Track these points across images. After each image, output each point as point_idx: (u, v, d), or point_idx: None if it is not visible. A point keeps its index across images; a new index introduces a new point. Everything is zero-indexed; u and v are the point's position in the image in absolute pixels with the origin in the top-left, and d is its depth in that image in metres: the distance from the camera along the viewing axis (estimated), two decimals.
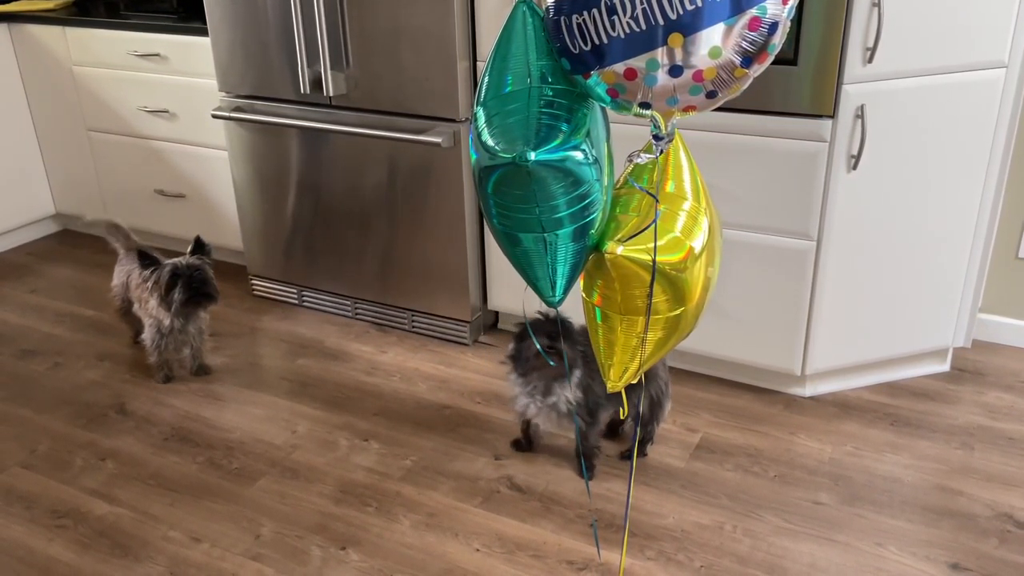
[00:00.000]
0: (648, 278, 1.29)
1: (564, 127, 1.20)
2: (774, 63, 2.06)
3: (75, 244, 3.63)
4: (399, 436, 2.33)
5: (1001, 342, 2.66)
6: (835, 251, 2.22)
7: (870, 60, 2.02)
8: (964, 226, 2.31)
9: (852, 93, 2.05)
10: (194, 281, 2.41)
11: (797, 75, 2.06)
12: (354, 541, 1.96)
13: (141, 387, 2.58)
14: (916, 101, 2.10)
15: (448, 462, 2.22)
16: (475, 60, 2.46)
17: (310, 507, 2.07)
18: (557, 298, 1.37)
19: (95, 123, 3.34)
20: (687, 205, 1.37)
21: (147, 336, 2.53)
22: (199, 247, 2.47)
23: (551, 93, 1.25)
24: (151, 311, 2.47)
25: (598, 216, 1.30)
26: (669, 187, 1.39)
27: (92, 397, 2.54)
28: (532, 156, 1.16)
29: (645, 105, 1.17)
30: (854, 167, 2.12)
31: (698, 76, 1.11)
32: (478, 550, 1.93)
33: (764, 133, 2.15)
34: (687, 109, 1.18)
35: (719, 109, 2.16)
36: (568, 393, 2.03)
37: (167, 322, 2.46)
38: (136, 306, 2.57)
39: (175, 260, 2.43)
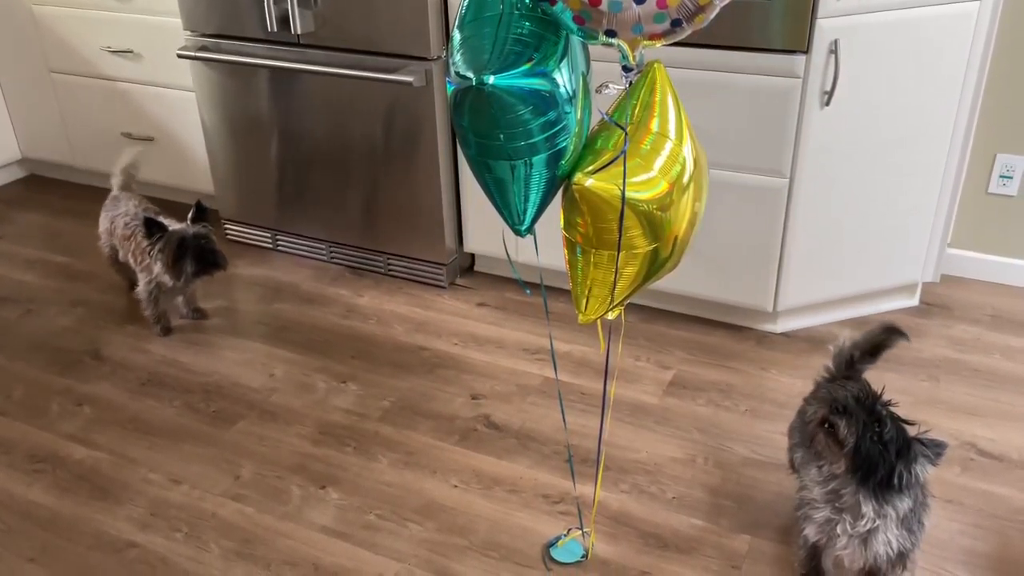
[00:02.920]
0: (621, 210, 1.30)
1: (535, 55, 1.20)
2: None
3: (42, 189, 3.57)
4: (377, 378, 2.34)
5: (969, 276, 2.71)
6: (807, 188, 2.23)
7: None
8: (935, 161, 2.32)
9: (826, 28, 2.04)
10: (204, 251, 2.35)
11: (771, 10, 2.04)
12: (333, 480, 1.99)
13: (116, 333, 2.57)
14: (889, 35, 2.10)
15: (426, 402, 2.24)
16: None
17: (289, 448, 2.10)
18: (524, 227, 1.38)
19: (58, 64, 3.25)
20: (668, 145, 1.37)
21: (141, 290, 2.48)
22: (200, 213, 2.39)
23: (523, 21, 1.24)
24: (155, 272, 2.40)
25: (568, 146, 1.30)
26: (653, 125, 1.38)
27: (66, 343, 2.53)
28: (491, 80, 1.17)
29: (611, 33, 1.17)
30: (827, 103, 2.12)
31: (662, 3, 1.12)
32: (456, 486, 1.96)
33: (737, 69, 2.13)
34: (652, 38, 1.18)
35: (692, 44, 2.14)
36: (894, 528, 1.48)
37: (169, 283, 2.41)
38: (122, 253, 2.53)
39: (181, 228, 2.36)
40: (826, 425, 1.47)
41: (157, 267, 2.38)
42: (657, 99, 1.39)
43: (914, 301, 2.58)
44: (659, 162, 1.35)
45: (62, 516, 1.91)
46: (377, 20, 2.45)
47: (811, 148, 2.18)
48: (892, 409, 1.46)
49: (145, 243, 2.38)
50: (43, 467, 2.06)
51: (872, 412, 1.44)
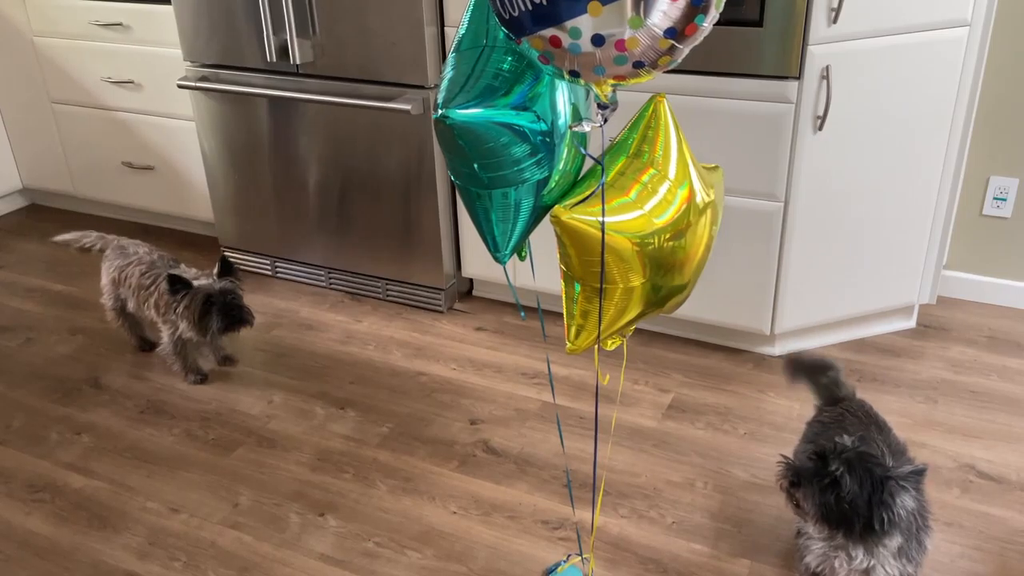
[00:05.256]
0: (608, 245, 1.30)
1: (514, 88, 1.22)
2: (740, 25, 2.07)
3: (43, 218, 3.59)
4: (375, 404, 2.34)
5: (965, 298, 2.72)
6: (802, 211, 2.25)
7: (835, 20, 2.03)
8: (929, 184, 2.34)
9: (817, 54, 2.06)
10: (230, 308, 2.30)
11: (763, 37, 2.07)
12: (332, 507, 1.99)
13: (115, 361, 2.58)
14: (880, 61, 2.12)
15: (424, 428, 2.24)
16: (443, 25, 2.44)
17: (287, 475, 2.09)
18: (503, 254, 1.39)
19: (59, 95, 3.28)
20: (666, 185, 1.38)
21: (166, 343, 2.41)
22: (225, 268, 2.34)
23: (506, 55, 1.26)
24: (180, 328, 2.35)
25: (551, 177, 1.31)
26: (653, 163, 1.39)
27: (66, 371, 2.53)
28: (454, 113, 1.19)
29: (574, 74, 1.16)
30: (820, 128, 2.14)
31: (620, 46, 1.09)
32: (455, 512, 1.96)
33: (730, 95, 2.16)
34: (616, 79, 1.16)
35: (685, 71, 2.16)
36: (891, 560, 1.47)
37: (195, 338, 2.36)
38: (133, 304, 2.45)
39: (207, 284, 2.31)
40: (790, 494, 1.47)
41: (182, 324, 2.32)
42: (661, 137, 1.39)
43: (911, 323, 2.59)
44: (652, 202, 1.35)
45: (60, 545, 1.91)
46: (375, 49, 2.48)
47: (805, 172, 2.20)
48: (862, 450, 1.43)
49: (168, 296, 2.31)
50: (42, 496, 2.05)
51: (825, 476, 1.42)
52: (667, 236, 1.36)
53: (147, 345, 2.59)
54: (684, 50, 1.12)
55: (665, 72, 2.26)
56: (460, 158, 1.26)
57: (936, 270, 2.54)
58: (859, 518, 1.41)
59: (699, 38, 1.12)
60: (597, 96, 1.22)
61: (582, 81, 1.18)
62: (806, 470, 1.45)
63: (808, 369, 1.86)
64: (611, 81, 1.17)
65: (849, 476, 1.40)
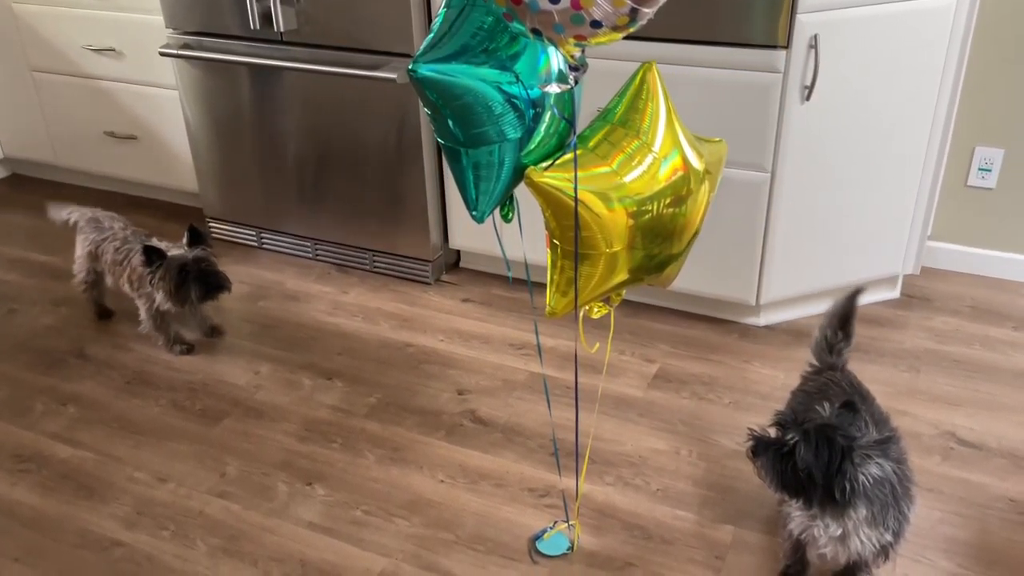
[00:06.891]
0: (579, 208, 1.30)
1: (490, 46, 1.21)
2: None
3: (25, 189, 3.55)
4: (362, 374, 2.35)
5: (949, 268, 2.74)
6: (789, 182, 2.25)
7: None
8: (914, 155, 2.34)
9: (806, 23, 2.05)
10: (207, 276, 2.29)
11: (751, 5, 2.05)
12: (320, 476, 2.00)
13: (100, 332, 2.57)
14: (868, 30, 2.12)
15: (412, 398, 2.25)
16: None
17: (275, 445, 2.10)
18: (480, 214, 1.39)
19: (39, 63, 3.23)
20: (650, 158, 1.37)
21: (144, 318, 2.41)
22: (195, 237, 2.33)
23: (487, 16, 1.25)
24: (156, 300, 2.34)
25: (520, 136, 1.31)
26: (640, 133, 1.38)
27: (50, 343, 2.52)
28: (422, 69, 1.20)
29: (536, 32, 1.16)
30: (807, 98, 2.14)
31: (575, 3, 1.10)
32: (442, 481, 1.97)
33: (717, 65, 2.15)
34: (577, 38, 1.16)
35: (672, 40, 2.15)
36: (865, 528, 1.46)
37: (173, 310, 2.35)
38: (111, 280, 2.45)
39: (180, 254, 2.29)
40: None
41: (159, 295, 2.31)
42: (649, 107, 1.38)
43: (895, 293, 2.61)
44: (634, 173, 1.35)
45: (47, 515, 1.91)
46: (360, 17, 2.45)
47: (792, 142, 2.19)
48: (825, 421, 1.43)
49: (142, 269, 2.31)
50: (28, 466, 2.05)
51: (782, 445, 1.43)
52: (667, 202, 1.36)
53: (106, 314, 2.59)
54: (647, 12, 1.11)
55: (651, 40, 2.25)
56: (436, 115, 1.26)
57: (920, 241, 2.56)
58: (815, 487, 1.41)
59: (659, 1, 1.11)
60: (565, 57, 1.22)
61: (543, 40, 1.18)
62: (764, 439, 1.46)
63: (850, 312, 1.79)
64: (573, 40, 1.16)
65: (804, 445, 1.40)
